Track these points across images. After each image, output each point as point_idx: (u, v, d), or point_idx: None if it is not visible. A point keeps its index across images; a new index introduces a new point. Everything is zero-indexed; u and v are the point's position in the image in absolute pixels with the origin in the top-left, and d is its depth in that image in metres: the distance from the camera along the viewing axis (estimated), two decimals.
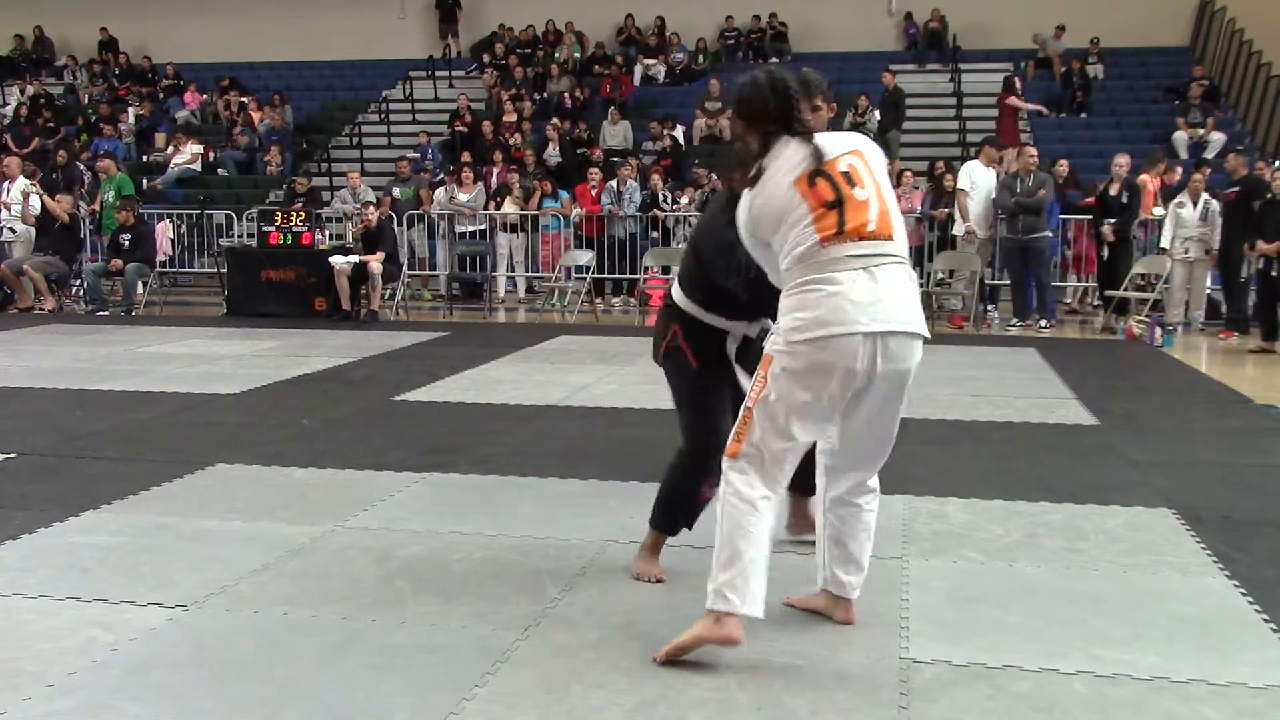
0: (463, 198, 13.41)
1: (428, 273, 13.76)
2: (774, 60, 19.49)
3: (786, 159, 2.97)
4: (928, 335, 2.97)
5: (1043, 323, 10.60)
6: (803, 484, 3.43)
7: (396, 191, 13.76)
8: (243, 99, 18.95)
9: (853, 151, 2.99)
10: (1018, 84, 16.89)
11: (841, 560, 3.21)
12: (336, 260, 11.10)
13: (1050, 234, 10.98)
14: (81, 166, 16.12)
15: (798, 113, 3.01)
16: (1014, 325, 10.75)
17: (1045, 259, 10.91)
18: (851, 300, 2.84)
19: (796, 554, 3.72)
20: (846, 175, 2.94)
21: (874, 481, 3.20)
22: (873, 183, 2.96)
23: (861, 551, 3.21)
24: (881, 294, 2.87)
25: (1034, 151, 11.07)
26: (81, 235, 13.12)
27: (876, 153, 3.06)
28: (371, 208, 11.75)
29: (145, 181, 16.37)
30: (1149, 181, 11.90)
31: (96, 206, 13.48)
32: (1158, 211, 11.57)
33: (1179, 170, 12.54)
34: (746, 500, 2.91)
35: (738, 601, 2.85)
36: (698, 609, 2.97)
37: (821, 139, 3.00)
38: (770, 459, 2.93)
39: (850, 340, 2.85)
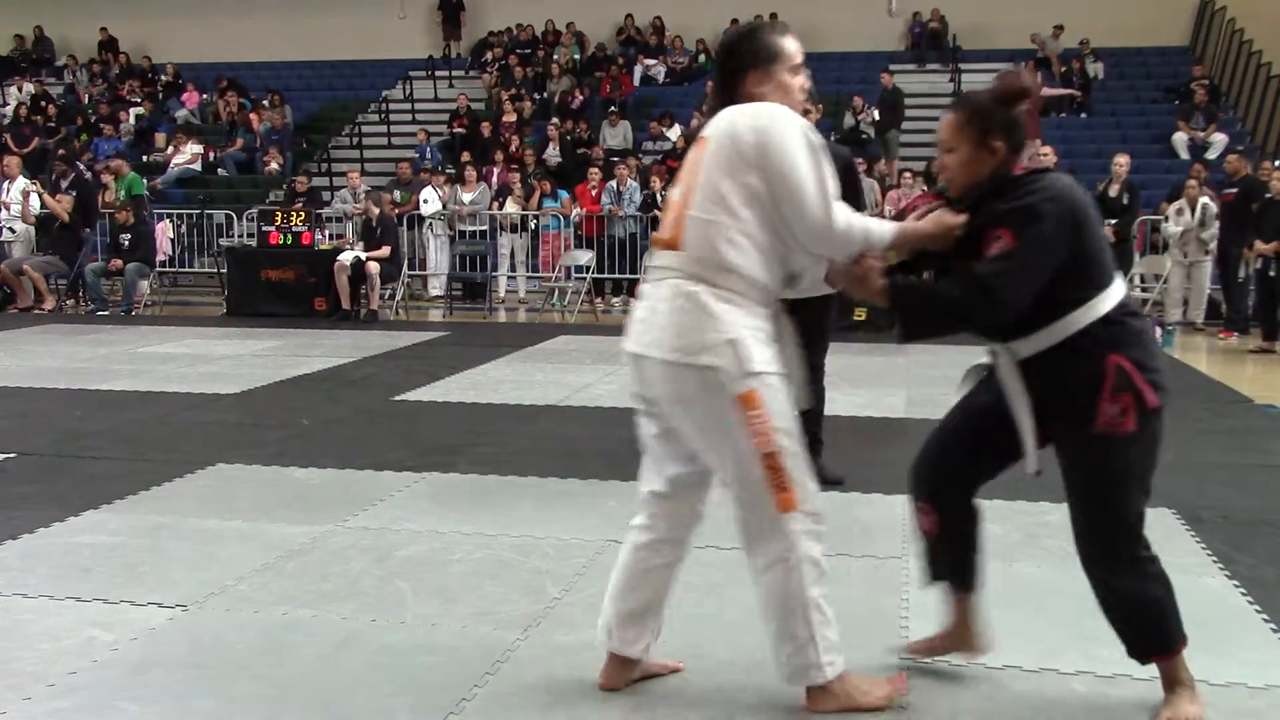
0: (465, 197, 13.41)
1: (427, 272, 13.76)
2: None
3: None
4: (667, 358, 2.50)
5: None
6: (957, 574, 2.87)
7: (396, 194, 13.76)
8: (244, 100, 18.94)
9: (700, 141, 2.61)
10: (1040, 75, 16.86)
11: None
12: (346, 256, 11.13)
13: None
14: (81, 167, 16.11)
15: (738, 79, 2.64)
16: None
17: None
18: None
19: None
20: (681, 169, 2.66)
21: (750, 547, 2.60)
22: (687, 180, 2.59)
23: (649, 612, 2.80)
24: (643, 312, 2.60)
25: (1047, 150, 11.04)
26: (97, 236, 13.12)
27: (728, 137, 2.52)
28: (369, 200, 11.77)
29: (145, 181, 16.37)
30: None
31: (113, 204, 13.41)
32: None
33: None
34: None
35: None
36: (698, 609, 2.96)
37: (718, 116, 2.61)
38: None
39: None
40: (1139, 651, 2.67)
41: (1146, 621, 2.62)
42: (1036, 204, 2.50)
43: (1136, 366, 2.54)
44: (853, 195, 3.93)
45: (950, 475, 2.80)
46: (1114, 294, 2.63)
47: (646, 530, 2.76)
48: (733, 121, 2.55)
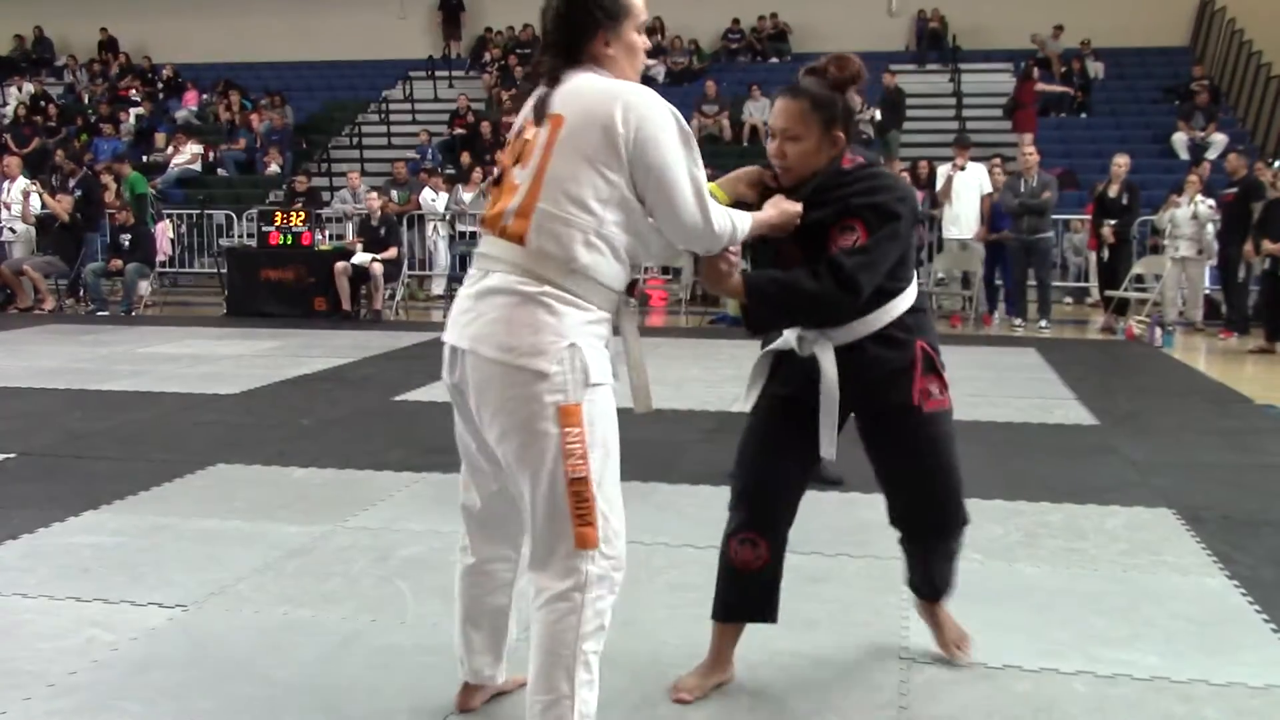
0: (466, 197, 13.41)
1: (428, 273, 13.75)
2: (774, 60, 19.56)
3: (532, 98, 2.37)
4: (493, 356, 2.23)
5: (1043, 323, 10.60)
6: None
7: (395, 195, 13.76)
8: (244, 100, 18.95)
9: (552, 117, 2.26)
10: (1036, 71, 16.87)
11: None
12: (361, 258, 11.17)
13: (1052, 234, 10.99)
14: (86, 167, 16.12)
15: (585, 37, 2.31)
16: (1019, 325, 10.75)
17: (1048, 259, 10.94)
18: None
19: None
20: (524, 145, 2.31)
21: (539, 575, 2.27)
22: (536, 162, 2.25)
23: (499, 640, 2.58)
24: (466, 303, 2.31)
25: (1031, 150, 11.06)
26: (98, 236, 13.14)
27: (595, 124, 2.21)
28: (375, 197, 11.77)
29: (147, 181, 16.38)
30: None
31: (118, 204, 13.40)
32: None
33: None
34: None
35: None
36: (698, 609, 2.96)
37: (569, 87, 2.27)
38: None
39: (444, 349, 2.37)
40: (934, 594, 2.94)
41: (954, 570, 2.93)
42: (891, 202, 2.57)
43: (934, 350, 2.70)
44: None
45: (777, 499, 2.72)
46: (915, 285, 2.73)
47: (469, 552, 2.54)
48: (599, 104, 2.23)
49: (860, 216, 2.54)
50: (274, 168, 16.93)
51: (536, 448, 2.21)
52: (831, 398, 2.62)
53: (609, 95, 2.24)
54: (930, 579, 2.94)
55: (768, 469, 2.71)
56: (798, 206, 2.58)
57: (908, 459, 2.73)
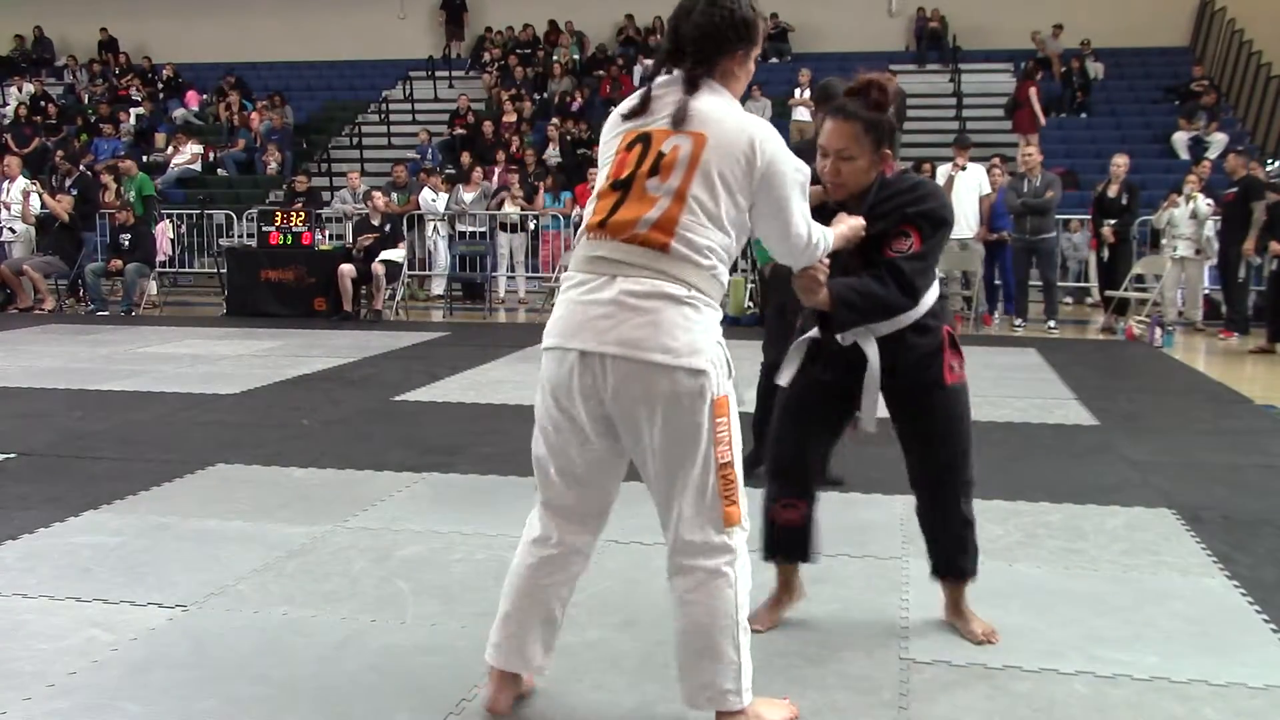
0: (467, 197, 13.41)
1: (428, 272, 13.75)
2: (774, 60, 19.55)
3: (632, 98, 2.51)
4: (651, 359, 2.34)
5: (1051, 324, 10.60)
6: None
7: (394, 196, 13.77)
8: (245, 100, 18.95)
9: (695, 134, 2.38)
10: (1040, 74, 16.85)
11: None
12: (396, 253, 11.31)
13: (1055, 234, 10.99)
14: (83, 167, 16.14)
15: (724, 56, 2.45)
16: (1019, 325, 10.75)
17: (1053, 259, 10.93)
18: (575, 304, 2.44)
19: None
20: (660, 156, 2.40)
21: (692, 557, 2.43)
22: (681, 175, 2.37)
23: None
24: (603, 309, 2.39)
25: (1032, 151, 11.05)
26: (98, 236, 13.15)
27: (739, 154, 2.38)
28: (378, 195, 11.79)
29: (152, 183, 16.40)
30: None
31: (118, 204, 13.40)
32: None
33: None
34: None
35: None
36: None
37: (707, 106, 2.40)
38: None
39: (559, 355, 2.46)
40: (959, 571, 3.15)
41: (972, 544, 3.14)
42: (940, 209, 2.93)
43: (953, 331, 3.07)
44: None
45: (813, 467, 3.13)
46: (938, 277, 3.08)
47: (550, 544, 2.60)
48: (739, 134, 2.40)
49: (915, 224, 2.86)
50: (273, 165, 16.93)
51: (693, 439, 2.38)
52: (875, 383, 2.94)
53: (747, 129, 2.41)
54: (950, 553, 3.14)
55: (805, 443, 3.09)
56: (862, 221, 2.84)
57: (934, 426, 3.04)
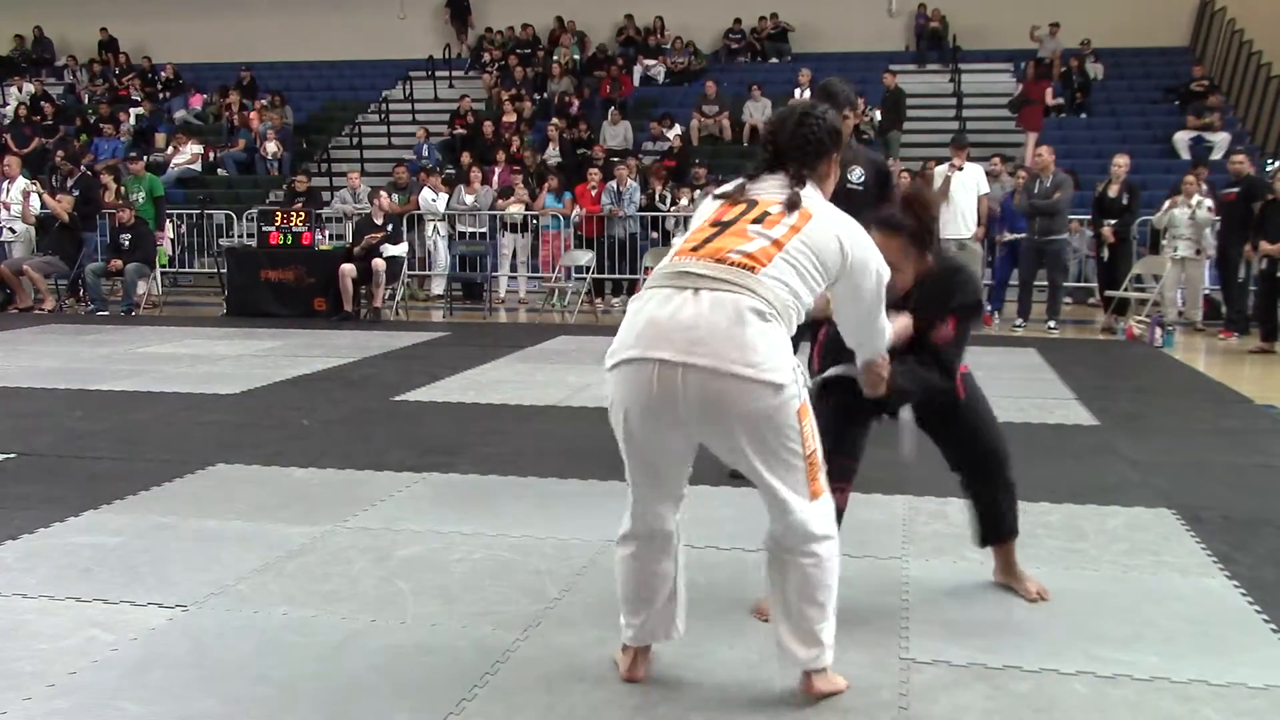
0: (468, 198, 13.41)
1: (428, 272, 13.75)
2: (774, 60, 19.55)
3: (729, 184, 2.85)
4: (742, 373, 2.52)
5: (1051, 324, 10.60)
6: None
7: (395, 197, 13.78)
8: (245, 100, 18.94)
9: (802, 212, 2.66)
10: (1049, 72, 16.84)
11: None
12: (398, 249, 11.32)
13: (1066, 236, 10.98)
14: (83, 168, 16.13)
15: (820, 161, 2.81)
16: (1019, 326, 10.75)
17: (1061, 261, 10.92)
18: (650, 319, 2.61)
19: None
20: (766, 214, 2.67)
21: (802, 541, 2.67)
22: (788, 231, 2.63)
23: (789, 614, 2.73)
24: (690, 319, 2.55)
25: (1043, 151, 11.02)
26: (98, 236, 13.14)
27: (839, 257, 2.66)
28: (383, 194, 11.80)
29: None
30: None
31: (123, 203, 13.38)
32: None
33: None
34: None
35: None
36: (698, 609, 2.96)
37: (813, 197, 2.73)
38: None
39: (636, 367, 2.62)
40: (1010, 531, 3.49)
41: (1016, 503, 3.47)
42: (974, 295, 3.36)
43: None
44: (887, 198, 4.37)
45: (860, 457, 3.39)
46: None
47: (639, 536, 2.83)
48: (836, 227, 2.69)
49: (956, 312, 3.27)
50: (272, 149, 16.91)
51: (785, 440, 2.60)
52: (909, 427, 3.37)
53: (843, 225, 2.71)
54: (997, 520, 3.46)
55: (849, 434, 3.32)
56: (909, 321, 3.19)
57: (964, 428, 3.43)
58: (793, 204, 2.67)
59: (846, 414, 3.32)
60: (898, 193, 3.19)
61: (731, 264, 2.58)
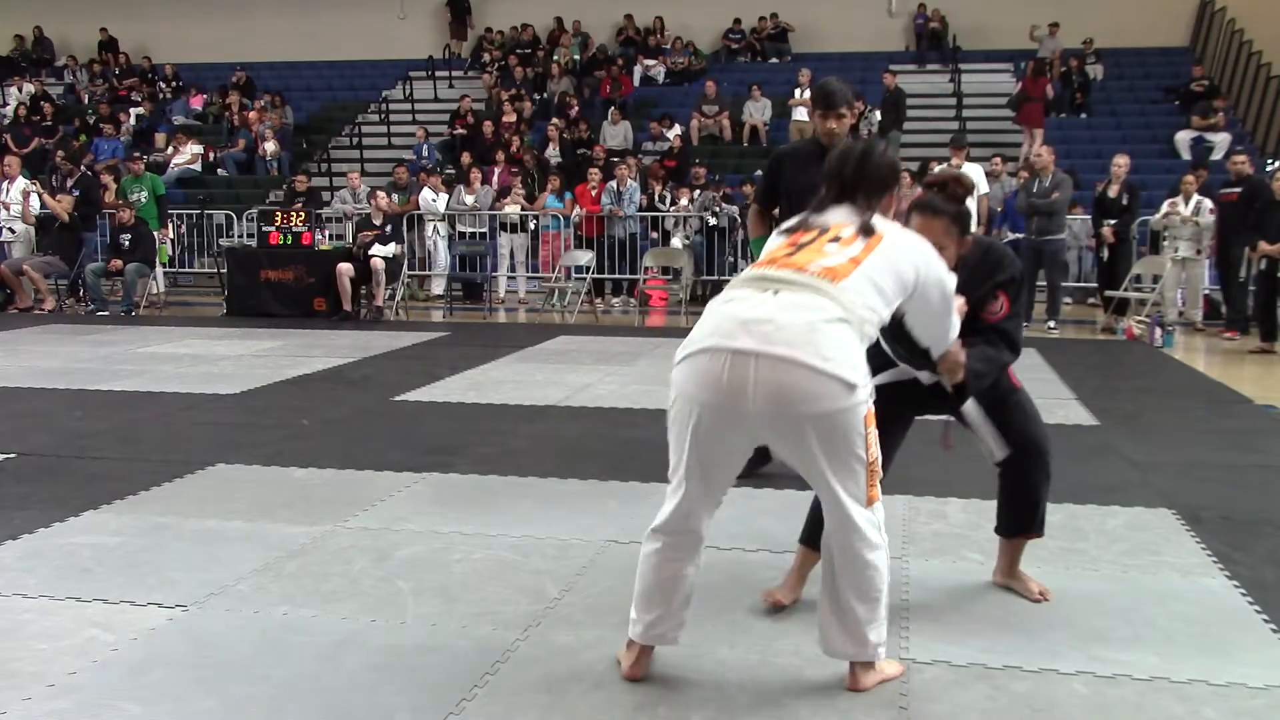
0: (468, 199, 13.41)
1: (428, 272, 13.75)
2: (774, 60, 19.55)
3: (794, 219, 3.00)
4: (821, 368, 2.59)
5: (1051, 324, 10.60)
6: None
7: (395, 197, 13.78)
8: (245, 100, 18.94)
9: (874, 236, 2.80)
10: (1048, 70, 16.84)
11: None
12: (389, 249, 11.25)
13: (1064, 236, 10.97)
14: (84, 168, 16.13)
15: (883, 196, 2.97)
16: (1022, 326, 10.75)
17: (1059, 261, 10.92)
18: (727, 314, 2.72)
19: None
20: (839, 237, 2.82)
21: (856, 543, 2.75)
22: (865, 250, 2.76)
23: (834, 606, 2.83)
24: (765, 311, 2.66)
25: (1043, 151, 11.02)
26: (97, 236, 13.15)
27: (912, 273, 2.80)
28: (381, 194, 11.80)
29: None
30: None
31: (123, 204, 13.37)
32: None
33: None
34: None
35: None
36: (698, 609, 2.96)
37: (884, 222, 2.88)
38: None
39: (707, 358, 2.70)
40: (1034, 526, 3.54)
41: (1045, 501, 3.54)
42: (1017, 272, 3.38)
43: None
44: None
45: (893, 459, 3.41)
46: None
47: (673, 531, 2.84)
48: (910, 249, 2.83)
49: (1005, 289, 3.33)
50: (271, 148, 16.91)
51: (853, 445, 2.68)
52: (978, 417, 3.40)
53: (915, 244, 2.87)
54: (1034, 507, 3.52)
55: (885, 445, 3.21)
56: (962, 300, 3.17)
57: (1016, 409, 3.48)
58: (867, 229, 2.79)
59: (883, 423, 3.32)
60: (900, 193, 3.18)
61: (812, 273, 2.71)
